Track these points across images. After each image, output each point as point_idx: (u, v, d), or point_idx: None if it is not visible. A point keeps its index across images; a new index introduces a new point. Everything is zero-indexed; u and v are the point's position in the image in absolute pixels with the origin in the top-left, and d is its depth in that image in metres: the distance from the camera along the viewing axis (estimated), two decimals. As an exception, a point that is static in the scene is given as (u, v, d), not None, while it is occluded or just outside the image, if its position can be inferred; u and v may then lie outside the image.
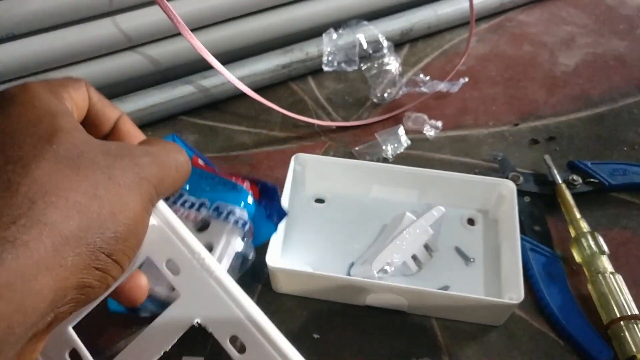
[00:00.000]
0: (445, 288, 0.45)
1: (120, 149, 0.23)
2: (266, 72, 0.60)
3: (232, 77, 0.56)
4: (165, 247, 0.25)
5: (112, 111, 0.27)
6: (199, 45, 0.53)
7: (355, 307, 0.44)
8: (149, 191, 0.23)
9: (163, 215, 0.26)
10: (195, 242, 0.26)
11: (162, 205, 0.26)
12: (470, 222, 0.49)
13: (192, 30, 0.53)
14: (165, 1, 0.50)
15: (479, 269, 0.46)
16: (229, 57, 0.59)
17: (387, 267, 0.43)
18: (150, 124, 0.57)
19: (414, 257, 0.45)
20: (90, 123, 0.26)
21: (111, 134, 0.27)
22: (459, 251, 0.47)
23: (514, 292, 0.41)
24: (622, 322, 0.41)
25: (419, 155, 0.55)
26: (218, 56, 0.55)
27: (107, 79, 0.56)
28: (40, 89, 0.23)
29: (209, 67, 0.56)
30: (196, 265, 0.25)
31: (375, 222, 0.49)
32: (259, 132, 0.57)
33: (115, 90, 0.57)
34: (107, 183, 0.21)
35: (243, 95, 0.56)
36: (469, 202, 0.50)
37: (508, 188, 0.47)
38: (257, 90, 0.58)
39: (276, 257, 0.45)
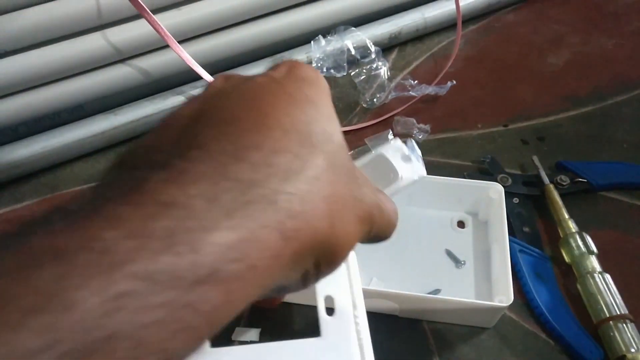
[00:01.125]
0: (436, 291, 0.45)
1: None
2: (256, 80, 0.60)
3: (222, 86, 0.56)
4: None
5: None
6: (187, 57, 0.53)
7: (347, 312, 0.44)
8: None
9: None
10: None
11: None
12: (461, 224, 0.50)
13: (180, 41, 0.54)
14: (152, 15, 0.50)
15: (469, 271, 0.47)
16: (218, 67, 0.59)
17: None
18: (144, 134, 0.58)
19: None
20: None
21: None
22: (449, 254, 0.48)
23: (504, 295, 0.42)
24: (611, 322, 0.42)
25: (409, 159, 0.55)
26: (207, 66, 0.56)
27: (98, 92, 0.56)
28: None
29: (199, 77, 0.57)
30: None
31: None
32: (250, 140, 0.58)
33: (107, 102, 0.58)
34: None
35: (233, 104, 0.57)
36: (459, 205, 0.50)
37: (496, 191, 0.48)
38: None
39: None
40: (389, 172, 0.34)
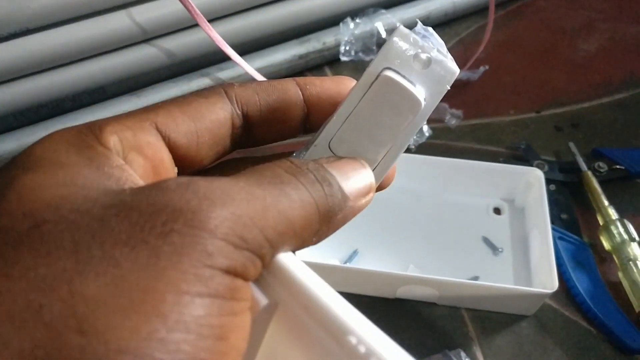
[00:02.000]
0: (475, 278, 0.44)
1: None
2: (283, 63, 0.59)
3: (249, 68, 0.55)
4: None
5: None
6: (216, 36, 0.52)
7: (384, 299, 0.43)
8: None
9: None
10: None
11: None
12: (497, 211, 0.49)
13: (209, 21, 0.52)
14: (184, -8, 0.49)
15: (507, 258, 0.46)
16: (245, 48, 0.58)
17: None
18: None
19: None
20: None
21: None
22: (486, 241, 0.47)
23: (547, 281, 0.41)
24: (656, 310, 0.41)
25: (441, 144, 0.54)
26: (234, 47, 0.55)
27: (122, 73, 0.55)
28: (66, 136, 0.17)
29: (225, 58, 0.55)
30: None
31: (400, 213, 0.48)
32: (277, 124, 0.56)
33: (130, 84, 0.56)
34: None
35: (261, 86, 0.56)
36: (495, 191, 0.49)
37: (536, 176, 0.47)
38: (274, 81, 0.57)
39: (303, 251, 0.44)
40: (401, 102, 0.19)
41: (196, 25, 0.52)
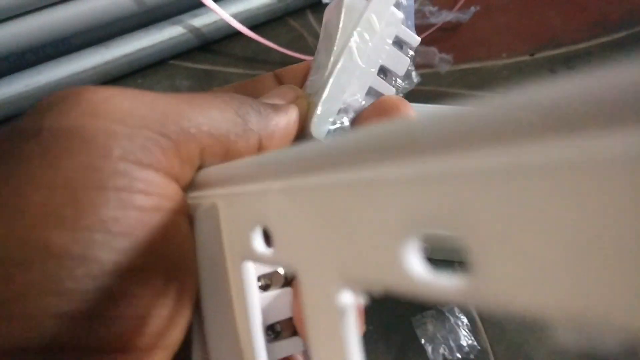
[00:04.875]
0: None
1: None
2: (261, 7, 0.55)
3: (224, 13, 0.51)
4: None
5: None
6: (187, -21, 0.48)
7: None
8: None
9: None
10: None
11: None
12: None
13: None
14: None
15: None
16: (220, -8, 0.54)
17: (342, 120, 0.20)
18: (140, 70, 0.53)
19: (383, 71, 0.21)
20: None
21: None
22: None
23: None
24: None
25: (430, 91, 0.51)
26: (208, -9, 0.51)
27: (87, 22, 0.51)
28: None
29: (198, 4, 0.51)
30: None
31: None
32: (257, 74, 0.53)
33: (98, 34, 0.52)
34: None
35: (238, 34, 0.52)
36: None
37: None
38: (252, 27, 0.53)
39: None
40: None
41: (164, -33, 0.48)
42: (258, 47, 0.53)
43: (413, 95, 0.50)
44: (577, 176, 0.06)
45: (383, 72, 0.20)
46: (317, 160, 0.10)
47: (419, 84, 0.51)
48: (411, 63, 0.44)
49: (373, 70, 0.19)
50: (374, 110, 0.19)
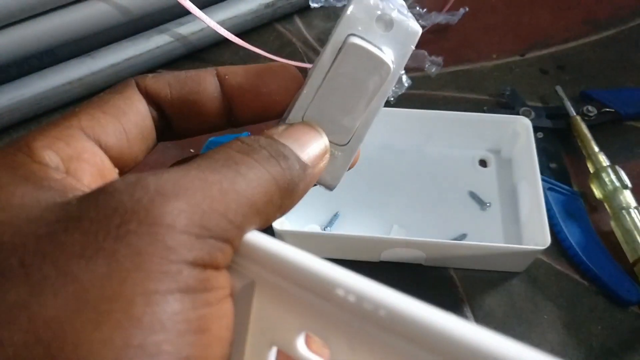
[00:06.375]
0: (462, 236, 0.42)
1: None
2: (248, 14, 0.54)
3: (211, 21, 0.50)
4: None
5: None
6: (172, -13, 0.47)
7: (369, 263, 0.41)
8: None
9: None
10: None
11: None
12: (483, 163, 0.46)
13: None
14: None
15: (495, 213, 0.43)
16: (207, 0, 0.53)
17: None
18: (126, 80, 0.52)
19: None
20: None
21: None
22: (473, 196, 0.44)
23: (538, 237, 0.39)
24: (650, 259, 0.39)
25: (421, 94, 0.51)
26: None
27: (73, 33, 0.50)
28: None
29: (185, 12, 0.51)
30: None
31: (381, 172, 0.45)
32: (246, 81, 0.52)
33: (83, 45, 0.51)
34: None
35: (225, 41, 0.52)
36: (480, 142, 0.46)
37: (523, 124, 0.44)
38: (240, 34, 0.53)
39: (281, 219, 0.41)
40: (370, 67, 0.19)
41: (148, -25, 0.47)
42: (246, 53, 0.52)
43: (404, 100, 0.50)
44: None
45: None
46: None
47: (410, 87, 0.51)
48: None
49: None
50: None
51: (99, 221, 0.14)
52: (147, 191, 0.14)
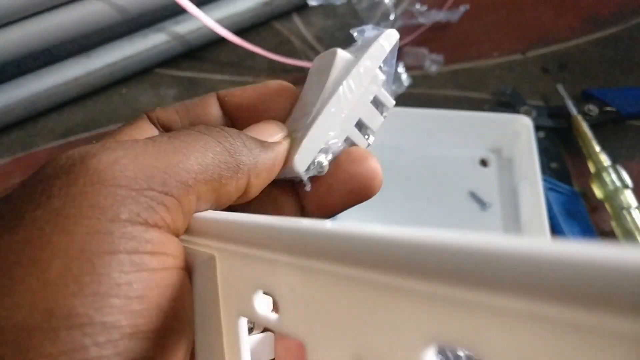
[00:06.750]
0: (462, 237, 0.41)
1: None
2: (246, 12, 0.54)
3: (208, 20, 0.50)
4: None
5: None
6: (168, -15, 0.46)
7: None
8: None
9: None
10: None
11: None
12: (483, 163, 0.46)
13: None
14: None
15: (496, 213, 0.43)
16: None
17: (320, 159, 0.20)
18: (124, 80, 0.52)
19: (359, 125, 0.21)
20: None
21: None
22: (473, 196, 0.44)
23: (538, 237, 0.38)
24: (652, 260, 0.39)
25: (421, 93, 0.50)
26: (191, -3, 0.49)
27: (68, 32, 0.50)
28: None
29: (182, 10, 0.50)
30: None
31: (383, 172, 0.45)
32: (244, 80, 0.52)
33: (79, 44, 0.51)
34: None
35: (223, 40, 0.51)
36: (481, 142, 0.46)
37: (524, 124, 0.43)
38: (237, 33, 0.52)
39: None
40: (328, 56, 0.21)
41: (145, -26, 0.47)
42: (244, 52, 0.52)
43: (404, 98, 0.49)
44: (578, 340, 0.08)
45: (359, 125, 0.21)
46: (345, 254, 0.11)
47: (410, 86, 0.51)
48: (401, 65, 0.44)
49: (353, 120, 0.20)
50: (347, 158, 0.20)
51: (25, 194, 0.14)
52: (70, 156, 0.14)
